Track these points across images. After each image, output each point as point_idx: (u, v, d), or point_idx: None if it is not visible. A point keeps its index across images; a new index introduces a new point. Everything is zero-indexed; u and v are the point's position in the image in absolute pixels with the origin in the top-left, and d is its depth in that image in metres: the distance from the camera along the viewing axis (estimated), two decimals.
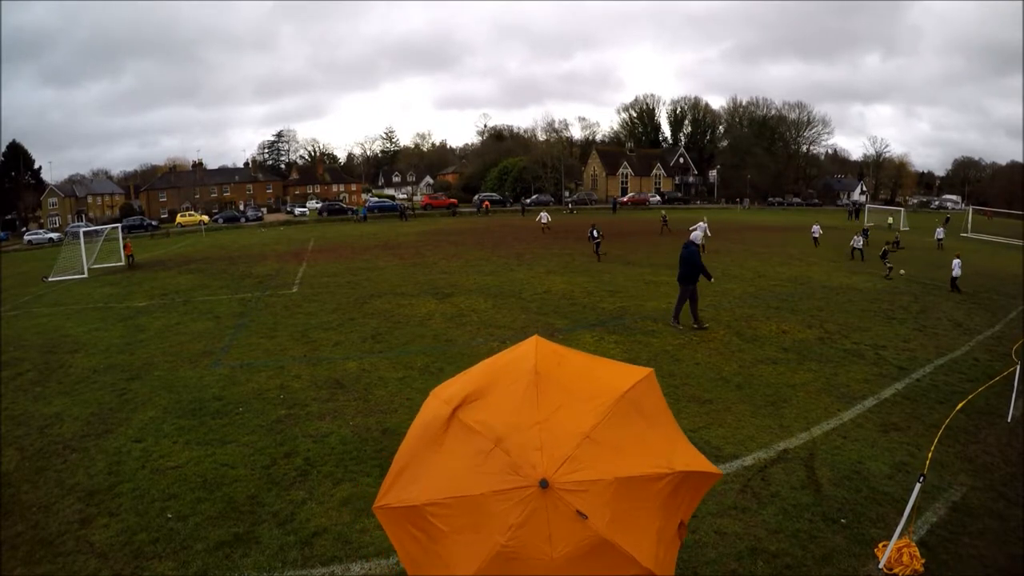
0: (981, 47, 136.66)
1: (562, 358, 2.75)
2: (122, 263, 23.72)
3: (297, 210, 63.59)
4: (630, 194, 71.05)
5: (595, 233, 21.09)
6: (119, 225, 29.18)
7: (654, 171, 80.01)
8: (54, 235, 48.56)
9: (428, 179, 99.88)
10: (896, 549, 4.13)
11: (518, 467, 2.22)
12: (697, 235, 12.90)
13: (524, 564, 2.13)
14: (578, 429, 2.32)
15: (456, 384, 2.74)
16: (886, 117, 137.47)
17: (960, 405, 6.70)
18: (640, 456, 2.35)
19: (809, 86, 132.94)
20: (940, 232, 29.07)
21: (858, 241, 21.92)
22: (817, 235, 26.35)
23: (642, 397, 2.56)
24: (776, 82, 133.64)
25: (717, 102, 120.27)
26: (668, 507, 2.34)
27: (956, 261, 15.40)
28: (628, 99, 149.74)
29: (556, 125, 79.02)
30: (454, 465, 2.36)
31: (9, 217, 64.29)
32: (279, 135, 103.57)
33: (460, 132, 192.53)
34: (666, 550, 2.32)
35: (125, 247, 24.48)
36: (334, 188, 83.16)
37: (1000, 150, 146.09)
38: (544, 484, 2.16)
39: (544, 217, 33.03)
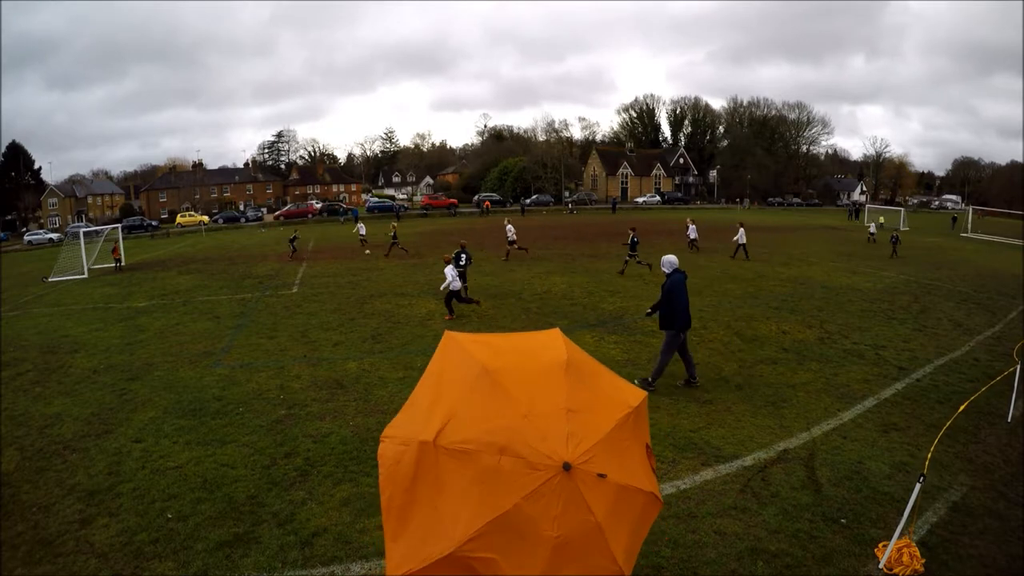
0: (965, 47, 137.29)
1: (489, 345, 2.84)
2: (111, 265, 23.33)
3: None
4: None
5: (364, 231, 24.63)
6: (119, 225, 28.98)
7: (654, 171, 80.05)
8: (54, 235, 48.51)
9: (428, 179, 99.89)
10: (896, 549, 4.13)
11: (535, 465, 2.25)
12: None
13: (577, 543, 2.23)
14: (557, 407, 2.43)
15: (408, 419, 2.61)
16: (877, 117, 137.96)
17: (963, 407, 6.69)
18: (608, 407, 2.59)
19: (798, 87, 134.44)
20: (873, 227, 28.21)
21: (743, 236, 20.87)
22: (693, 236, 23.22)
23: (576, 357, 2.75)
24: (765, 84, 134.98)
25: (713, 103, 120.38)
26: (636, 436, 2.68)
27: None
28: (621, 101, 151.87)
29: (556, 125, 78.97)
30: (467, 494, 2.25)
31: (9, 217, 64.31)
32: (279, 135, 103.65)
33: (460, 132, 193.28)
34: (649, 472, 2.67)
35: (113, 251, 23.77)
36: (334, 188, 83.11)
37: (994, 149, 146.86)
38: (567, 467, 2.26)
39: (361, 229, 28.18)
